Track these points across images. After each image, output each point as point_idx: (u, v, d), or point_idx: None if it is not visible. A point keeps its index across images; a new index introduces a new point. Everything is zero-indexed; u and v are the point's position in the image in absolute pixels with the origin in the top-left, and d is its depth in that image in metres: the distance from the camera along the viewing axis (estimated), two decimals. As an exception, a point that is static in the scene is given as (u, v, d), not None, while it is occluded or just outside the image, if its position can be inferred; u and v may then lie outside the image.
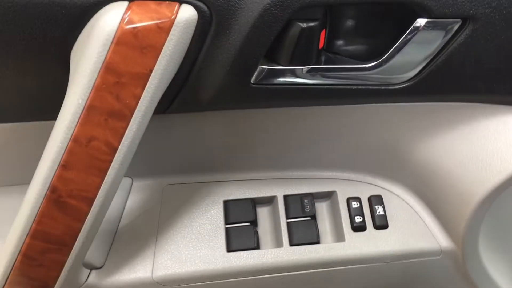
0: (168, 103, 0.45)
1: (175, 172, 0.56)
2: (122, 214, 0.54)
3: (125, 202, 0.55)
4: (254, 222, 0.55)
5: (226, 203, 0.56)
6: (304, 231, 0.54)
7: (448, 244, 0.55)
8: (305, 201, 0.56)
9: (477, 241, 0.53)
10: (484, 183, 0.47)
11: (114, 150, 0.40)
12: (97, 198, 0.41)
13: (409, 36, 0.41)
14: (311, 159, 0.56)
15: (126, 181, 0.55)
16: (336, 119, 0.50)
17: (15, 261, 0.42)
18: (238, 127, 0.51)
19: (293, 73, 0.42)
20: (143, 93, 0.38)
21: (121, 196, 0.55)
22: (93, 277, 0.50)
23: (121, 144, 0.40)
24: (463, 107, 0.47)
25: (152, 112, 0.40)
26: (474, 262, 0.55)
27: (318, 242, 0.54)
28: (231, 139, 0.52)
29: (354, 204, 0.56)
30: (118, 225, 0.53)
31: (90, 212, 0.42)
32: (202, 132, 0.51)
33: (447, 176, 0.50)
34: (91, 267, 0.51)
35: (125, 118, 0.39)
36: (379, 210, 0.56)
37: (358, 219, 0.55)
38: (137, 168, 0.55)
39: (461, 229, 0.51)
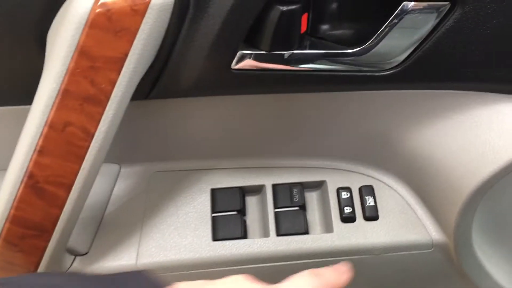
0: (149, 89, 0.44)
1: (163, 159, 0.55)
2: (108, 201, 0.54)
3: (112, 189, 0.54)
4: (241, 211, 0.54)
5: (214, 191, 0.55)
6: (292, 221, 0.53)
7: (440, 237, 0.53)
8: (294, 190, 0.54)
9: (469, 234, 0.51)
10: (476, 174, 0.45)
11: (91, 136, 0.39)
12: (75, 184, 0.41)
13: (395, 20, 0.39)
14: (301, 147, 0.55)
15: (113, 168, 0.55)
16: (323, 106, 0.49)
17: (-5, 246, 0.42)
18: (223, 114, 0.49)
19: (275, 59, 0.41)
20: (119, 78, 0.38)
21: (108, 182, 0.54)
22: (77, 263, 0.50)
23: (98, 130, 0.39)
24: (455, 95, 0.45)
25: (129, 97, 0.40)
26: (468, 256, 0.53)
27: (306, 233, 0.53)
28: (217, 126, 0.51)
29: (344, 195, 0.54)
30: (104, 211, 0.53)
31: (68, 199, 0.42)
32: (187, 118, 0.50)
33: (439, 167, 0.49)
34: (75, 253, 0.50)
35: (101, 103, 0.38)
36: (370, 201, 0.54)
37: (347, 209, 0.54)
38: (125, 154, 0.54)
39: (452, 222, 0.49)
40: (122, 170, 0.55)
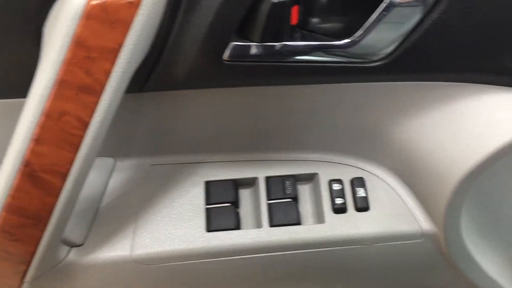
0: (143, 81, 0.45)
1: (158, 152, 0.56)
2: (103, 194, 0.54)
3: (107, 182, 0.55)
4: (235, 203, 0.55)
5: (208, 183, 0.56)
6: (284, 212, 0.54)
7: (429, 227, 0.54)
8: (287, 183, 0.55)
9: (458, 224, 0.52)
10: (463, 164, 0.46)
11: (86, 125, 0.40)
12: (70, 173, 0.42)
13: (384, 13, 0.40)
14: (293, 140, 0.56)
15: (109, 161, 0.56)
16: (314, 99, 0.50)
17: (-8, 235, 0.43)
18: (217, 107, 0.50)
19: (266, 50, 0.42)
20: (114, 68, 0.38)
21: (104, 175, 0.55)
22: (73, 254, 0.51)
23: (92, 120, 0.40)
24: (443, 87, 0.46)
25: (124, 88, 0.40)
26: (457, 246, 0.54)
27: (298, 223, 0.54)
28: (211, 119, 0.52)
29: (336, 186, 0.55)
30: (100, 204, 0.54)
31: (64, 187, 0.42)
32: (181, 112, 0.51)
33: (427, 157, 0.50)
34: (71, 245, 0.51)
35: (96, 93, 0.39)
36: (361, 192, 0.55)
37: (339, 201, 0.55)
38: (120, 148, 0.55)
39: (441, 212, 0.51)
40: (118, 163, 0.56)
